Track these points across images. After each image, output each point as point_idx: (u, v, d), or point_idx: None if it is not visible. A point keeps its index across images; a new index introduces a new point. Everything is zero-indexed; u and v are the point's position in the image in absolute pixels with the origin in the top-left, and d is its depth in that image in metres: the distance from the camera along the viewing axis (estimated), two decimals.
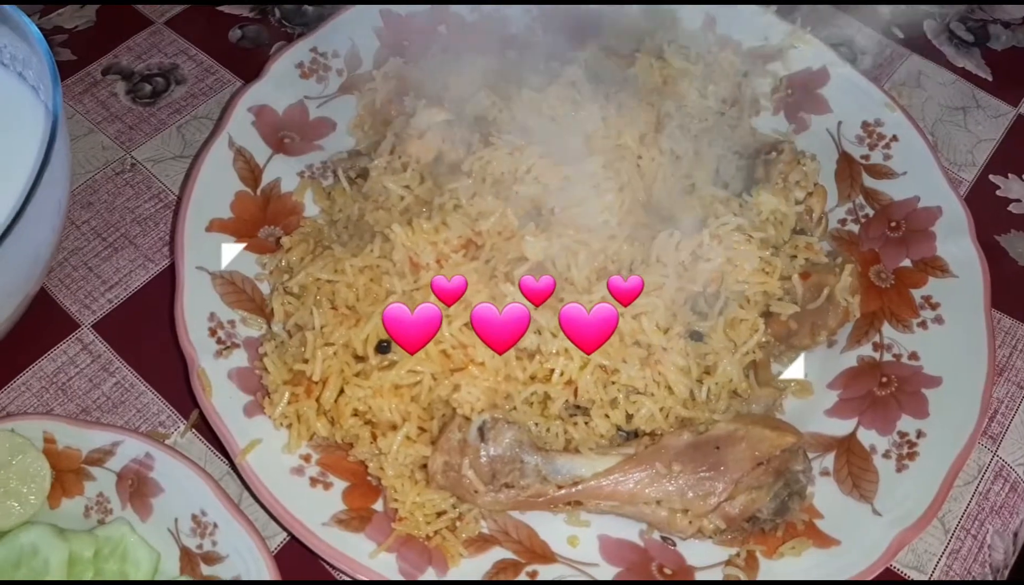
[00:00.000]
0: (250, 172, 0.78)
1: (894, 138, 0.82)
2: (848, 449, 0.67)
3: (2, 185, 0.68)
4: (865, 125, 0.84)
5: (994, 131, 0.91)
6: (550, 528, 0.63)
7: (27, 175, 0.64)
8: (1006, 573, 0.69)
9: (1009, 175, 0.88)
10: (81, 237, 0.80)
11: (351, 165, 0.77)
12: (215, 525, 0.62)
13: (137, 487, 0.64)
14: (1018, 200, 0.86)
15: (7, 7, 0.72)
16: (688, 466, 0.59)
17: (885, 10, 1.00)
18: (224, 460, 0.68)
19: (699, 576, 0.61)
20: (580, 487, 0.60)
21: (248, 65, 0.92)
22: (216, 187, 0.76)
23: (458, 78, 0.81)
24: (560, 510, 0.62)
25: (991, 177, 0.88)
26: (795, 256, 0.70)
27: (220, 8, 0.98)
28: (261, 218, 0.76)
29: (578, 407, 0.66)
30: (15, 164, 0.70)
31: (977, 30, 1.00)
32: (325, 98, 0.84)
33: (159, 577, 0.61)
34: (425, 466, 0.63)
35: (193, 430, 0.70)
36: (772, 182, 0.74)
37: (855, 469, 0.65)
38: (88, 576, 0.60)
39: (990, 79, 0.96)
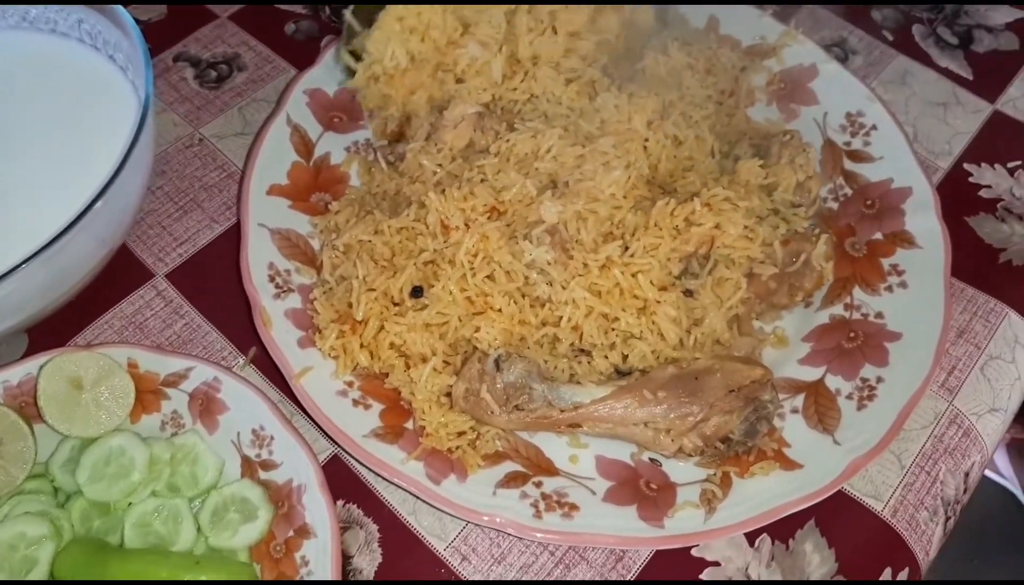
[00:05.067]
0: (304, 146, 0.89)
1: (873, 127, 0.91)
2: (816, 391, 0.76)
3: (100, 151, 0.80)
4: (848, 115, 0.93)
5: (971, 125, 1.00)
6: (554, 448, 0.74)
7: (121, 144, 0.76)
8: (958, 509, 0.78)
9: (982, 164, 0.97)
10: (156, 200, 0.92)
11: (390, 150, 0.89)
12: (272, 438, 0.73)
13: (206, 405, 0.75)
14: (988, 186, 0.95)
15: None
16: (671, 393, 0.69)
17: (876, 15, 1.10)
18: (276, 389, 0.80)
19: (680, 492, 0.71)
20: (580, 411, 0.70)
21: (301, 55, 1.04)
22: (275, 158, 0.87)
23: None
24: (563, 432, 0.73)
25: (965, 165, 0.97)
26: (777, 227, 0.80)
27: (277, 5, 1.10)
28: (313, 185, 0.88)
29: (582, 350, 0.77)
30: (109, 134, 0.82)
31: (962, 34, 1.09)
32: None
33: (223, 480, 0.73)
34: (449, 394, 0.74)
35: (251, 364, 0.82)
36: (782, 160, 0.84)
37: (821, 408, 0.75)
38: (166, 475, 0.72)
39: (971, 78, 1.04)
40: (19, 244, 0.70)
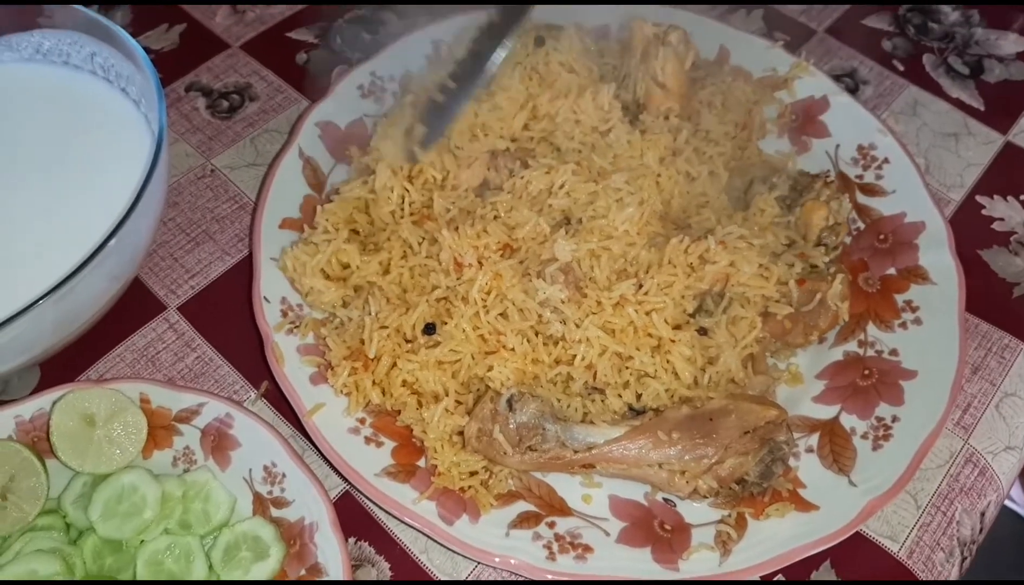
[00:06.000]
0: (316, 179, 0.90)
1: (886, 160, 0.91)
2: (831, 430, 0.76)
3: (114, 185, 0.80)
4: (860, 148, 0.93)
5: (983, 156, 1.00)
6: (567, 487, 0.73)
7: (134, 176, 0.76)
8: (973, 549, 0.78)
9: (994, 196, 0.96)
10: (168, 232, 0.92)
11: None
12: (284, 475, 0.73)
13: (218, 442, 0.75)
14: (1001, 219, 0.95)
15: (116, 28, 0.85)
16: (685, 434, 0.69)
17: (887, 44, 1.10)
18: (288, 424, 0.80)
19: (695, 533, 0.71)
20: (593, 452, 0.70)
21: (312, 85, 1.04)
22: (287, 191, 0.87)
23: None
24: (576, 472, 0.72)
25: (978, 198, 0.96)
26: (792, 265, 0.79)
27: (288, 34, 1.10)
28: None
29: (595, 388, 0.76)
30: (123, 167, 0.82)
31: (972, 64, 1.09)
32: (383, 116, 0.96)
33: (235, 517, 0.73)
34: (461, 433, 0.73)
35: (263, 398, 0.82)
36: (821, 198, 0.83)
37: (836, 447, 0.75)
38: (178, 512, 0.72)
39: (982, 109, 1.04)
40: (32, 279, 0.70)
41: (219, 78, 1.06)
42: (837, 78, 1.02)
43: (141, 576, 0.69)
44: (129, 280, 0.82)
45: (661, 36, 0.89)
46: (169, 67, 1.06)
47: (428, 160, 0.83)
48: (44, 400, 0.75)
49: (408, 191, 0.83)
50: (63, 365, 0.82)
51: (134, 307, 0.87)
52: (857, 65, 1.08)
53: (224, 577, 0.69)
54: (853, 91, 1.04)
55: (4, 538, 0.71)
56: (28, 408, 0.75)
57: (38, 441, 0.74)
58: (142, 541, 0.71)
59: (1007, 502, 1.49)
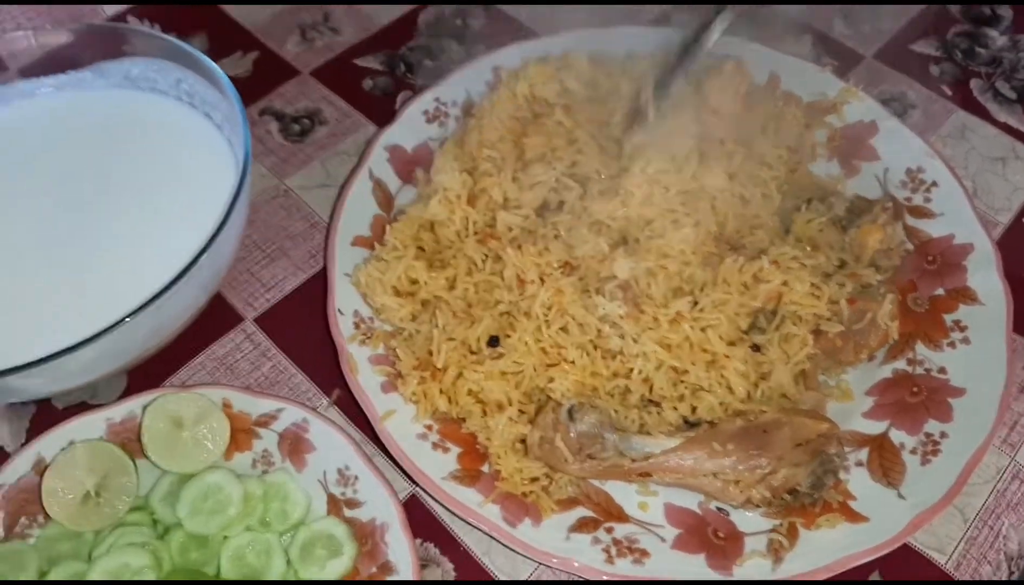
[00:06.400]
0: (385, 199, 0.95)
1: (934, 183, 0.94)
2: (880, 445, 0.78)
3: (200, 205, 0.86)
4: (909, 171, 0.95)
5: None
6: (624, 495, 0.77)
7: (219, 197, 0.82)
8: (1021, 563, 0.79)
9: None
10: (245, 249, 0.98)
11: None
12: (356, 477, 0.77)
13: (295, 445, 0.80)
14: None
15: (201, 55, 0.91)
16: (739, 446, 0.72)
17: (935, 69, 1.12)
18: (358, 429, 0.85)
19: (747, 541, 0.74)
20: (650, 461, 0.73)
21: (378, 110, 1.09)
22: (359, 211, 0.92)
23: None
24: (633, 480, 0.76)
25: None
26: (843, 285, 0.82)
27: (355, 61, 1.16)
28: None
29: (651, 401, 0.80)
30: (208, 189, 0.87)
31: (1020, 88, 1.11)
32: (445, 140, 1.01)
33: (310, 516, 0.77)
34: (523, 441, 0.78)
35: (334, 405, 0.87)
36: (878, 221, 0.86)
37: (885, 462, 0.77)
38: (259, 511, 0.76)
39: None
40: (126, 294, 0.76)
41: (291, 103, 1.12)
42: (885, 102, 1.04)
43: (225, 570, 0.74)
44: (213, 293, 0.88)
45: (717, 64, 0.93)
46: (243, 93, 1.11)
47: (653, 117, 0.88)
48: (134, 404, 0.81)
49: (470, 213, 0.88)
50: (148, 372, 0.88)
51: (214, 319, 0.92)
52: (905, 90, 1.11)
53: (301, 572, 0.74)
54: (901, 115, 1.06)
55: (97, 532, 0.76)
56: (118, 411, 0.81)
57: (128, 442, 0.80)
58: (225, 537, 0.76)
59: None
